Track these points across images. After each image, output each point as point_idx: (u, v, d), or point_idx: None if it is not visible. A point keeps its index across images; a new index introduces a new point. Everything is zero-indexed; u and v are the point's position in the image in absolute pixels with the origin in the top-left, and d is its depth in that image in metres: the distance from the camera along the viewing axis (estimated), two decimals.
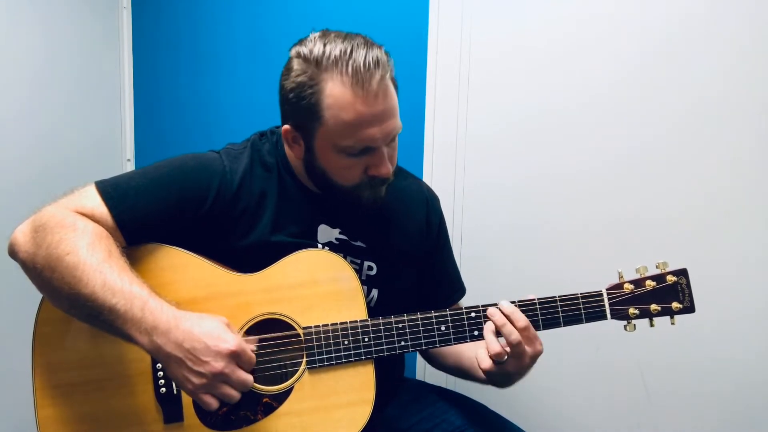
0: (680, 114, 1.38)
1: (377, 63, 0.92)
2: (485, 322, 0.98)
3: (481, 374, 0.99)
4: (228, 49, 1.79)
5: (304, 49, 0.96)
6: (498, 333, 0.95)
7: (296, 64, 0.96)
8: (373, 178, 1.00)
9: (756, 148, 1.34)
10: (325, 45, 0.94)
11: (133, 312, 0.83)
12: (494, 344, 0.95)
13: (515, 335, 0.93)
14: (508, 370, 0.96)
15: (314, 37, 0.97)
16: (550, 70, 1.47)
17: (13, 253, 0.91)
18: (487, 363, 0.95)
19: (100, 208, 0.93)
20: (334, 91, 0.92)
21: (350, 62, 0.91)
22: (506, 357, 0.95)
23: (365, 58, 0.91)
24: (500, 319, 0.95)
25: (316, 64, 0.93)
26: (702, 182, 1.38)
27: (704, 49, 1.35)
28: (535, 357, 0.96)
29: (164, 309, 0.85)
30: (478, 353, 0.97)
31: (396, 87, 0.99)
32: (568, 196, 1.48)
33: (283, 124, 1.02)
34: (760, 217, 1.35)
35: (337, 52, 0.92)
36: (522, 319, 0.95)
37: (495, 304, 0.98)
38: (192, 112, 1.85)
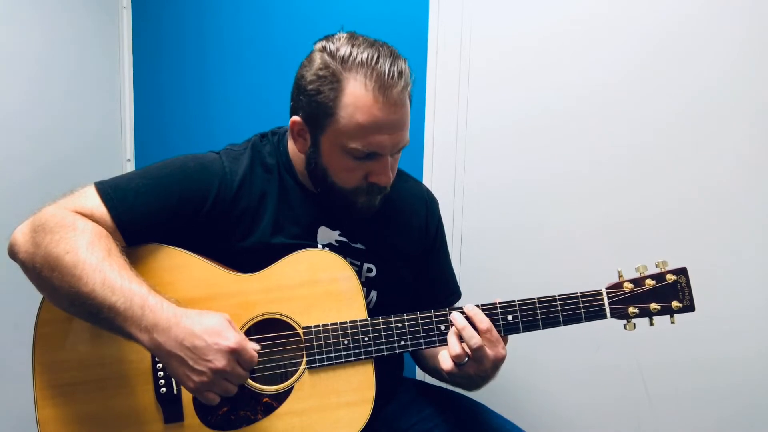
0: (681, 113, 1.38)
1: (401, 74, 0.94)
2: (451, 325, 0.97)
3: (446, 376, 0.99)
4: (228, 49, 1.79)
5: (330, 46, 0.96)
6: (461, 337, 0.95)
7: (320, 58, 0.96)
8: (371, 185, 1.01)
9: (755, 147, 1.34)
10: (352, 46, 0.94)
11: (133, 310, 0.83)
12: (455, 346, 0.94)
13: (476, 339, 0.93)
14: (468, 372, 0.96)
15: (342, 37, 0.97)
16: (550, 70, 1.47)
17: (12, 253, 0.91)
18: (448, 364, 0.95)
19: (100, 209, 0.93)
20: (356, 91, 0.93)
21: (376, 67, 0.92)
22: (466, 359, 0.94)
23: (390, 67, 0.93)
24: (461, 322, 0.95)
25: (342, 61, 0.94)
26: (702, 181, 1.38)
27: (704, 49, 1.35)
28: (497, 361, 0.95)
29: (164, 306, 0.85)
30: (440, 355, 0.97)
31: (411, 102, 0.99)
32: (568, 196, 1.48)
33: (292, 116, 1.02)
34: (760, 216, 1.35)
35: (364, 55, 0.93)
36: (484, 321, 0.95)
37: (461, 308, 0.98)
38: (192, 112, 1.85)
